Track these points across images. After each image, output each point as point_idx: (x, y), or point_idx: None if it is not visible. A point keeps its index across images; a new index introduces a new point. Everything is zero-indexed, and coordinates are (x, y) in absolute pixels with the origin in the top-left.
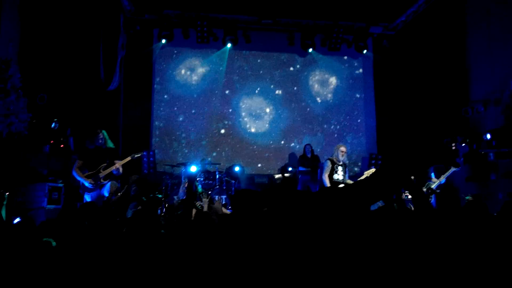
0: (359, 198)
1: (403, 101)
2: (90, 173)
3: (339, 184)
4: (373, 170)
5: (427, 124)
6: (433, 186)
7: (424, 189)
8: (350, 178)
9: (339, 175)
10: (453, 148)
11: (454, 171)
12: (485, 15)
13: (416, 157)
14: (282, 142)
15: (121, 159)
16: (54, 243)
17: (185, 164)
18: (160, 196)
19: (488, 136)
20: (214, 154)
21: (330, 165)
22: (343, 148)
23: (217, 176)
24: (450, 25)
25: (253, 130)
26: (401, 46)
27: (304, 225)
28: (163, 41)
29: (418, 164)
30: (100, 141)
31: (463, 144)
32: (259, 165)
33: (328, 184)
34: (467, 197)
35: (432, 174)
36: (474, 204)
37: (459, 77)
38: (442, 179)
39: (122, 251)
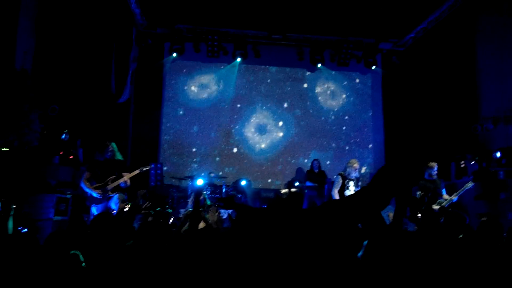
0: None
1: (412, 118)
2: (98, 185)
3: None
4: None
5: (436, 141)
6: (445, 204)
7: (437, 207)
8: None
9: (350, 191)
10: (462, 165)
11: (468, 188)
12: (495, 32)
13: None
14: (289, 156)
15: (129, 172)
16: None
17: (192, 177)
18: (170, 210)
19: (498, 154)
20: (222, 168)
21: (341, 181)
22: (356, 164)
23: (224, 190)
24: (460, 42)
25: (261, 144)
26: (410, 62)
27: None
28: (174, 54)
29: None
30: (110, 153)
31: (473, 162)
32: (266, 179)
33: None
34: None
35: (444, 191)
36: (489, 224)
37: (468, 94)
38: (455, 197)
39: (130, 261)
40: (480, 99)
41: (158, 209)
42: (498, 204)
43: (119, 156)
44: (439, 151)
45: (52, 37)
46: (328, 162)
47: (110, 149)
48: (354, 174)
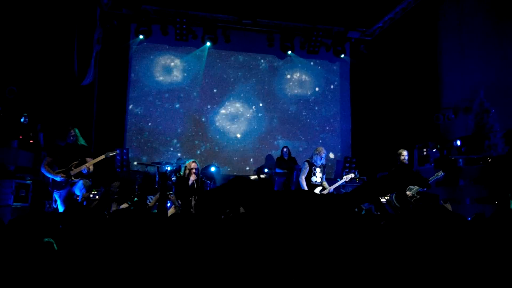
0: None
1: (378, 106)
2: (60, 170)
3: (316, 187)
4: (352, 175)
5: (400, 129)
6: (415, 190)
7: (409, 193)
8: (326, 180)
9: (317, 177)
10: (424, 153)
11: (439, 178)
12: (457, 25)
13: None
14: (259, 143)
15: (94, 157)
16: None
17: (159, 163)
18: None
19: (458, 142)
20: (190, 153)
21: (308, 167)
22: (322, 152)
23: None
24: (424, 33)
25: (230, 130)
26: (377, 51)
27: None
28: (141, 37)
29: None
30: (72, 138)
31: (434, 150)
32: (235, 166)
33: (305, 186)
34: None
35: None
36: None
37: (431, 84)
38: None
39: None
40: (442, 89)
41: (135, 199)
42: (457, 190)
43: (82, 142)
44: (403, 139)
45: (10, 15)
46: (296, 149)
47: (72, 133)
48: (320, 161)
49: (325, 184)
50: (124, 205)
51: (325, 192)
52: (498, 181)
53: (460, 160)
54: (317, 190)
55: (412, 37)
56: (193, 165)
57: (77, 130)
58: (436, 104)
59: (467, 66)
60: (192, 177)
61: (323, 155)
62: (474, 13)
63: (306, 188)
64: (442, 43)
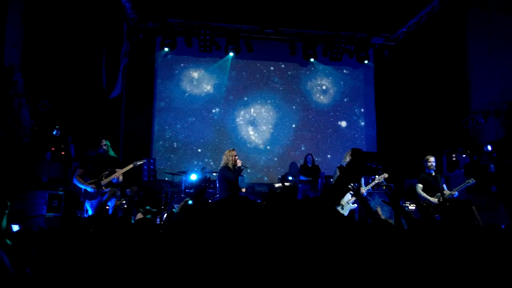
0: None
1: (404, 112)
2: (92, 181)
3: (347, 192)
4: (386, 174)
5: (427, 134)
6: (444, 197)
7: (435, 200)
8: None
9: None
10: (454, 159)
11: (470, 185)
12: (485, 27)
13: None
14: (283, 151)
15: (123, 167)
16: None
17: (185, 173)
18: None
19: (489, 147)
20: (215, 163)
21: (339, 173)
22: (348, 156)
23: (218, 185)
24: (450, 36)
25: (254, 139)
26: (402, 56)
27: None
28: (166, 49)
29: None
30: (103, 149)
31: (464, 155)
32: (260, 174)
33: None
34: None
35: (444, 186)
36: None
37: (459, 88)
38: (455, 192)
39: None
40: (471, 93)
41: (147, 207)
42: (490, 197)
43: (112, 153)
44: (431, 144)
45: (42, 31)
46: (321, 156)
47: (104, 143)
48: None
49: (362, 189)
50: (139, 215)
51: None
52: None
53: (492, 166)
54: (348, 195)
55: (438, 41)
56: (234, 152)
57: (108, 142)
58: (464, 108)
59: (496, 68)
60: (239, 163)
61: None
62: (502, 14)
63: None
64: (469, 45)
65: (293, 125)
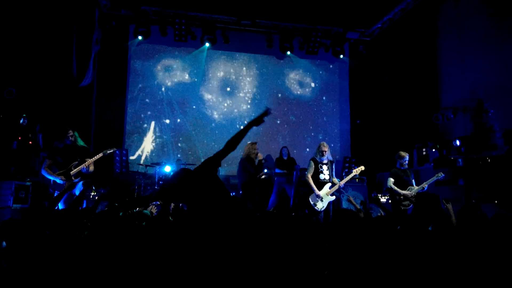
0: None
1: (377, 106)
2: (60, 172)
3: (325, 184)
4: (362, 167)
5: (399, 129)
6: (415, 191)
7: (407, 193)
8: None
9: (324, 175)
10: (424, 153)
11: (439, 179)
12: (456, 25)
13: None
14: (259, 143)
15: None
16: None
17: (159, 164)
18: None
19: (458, 142)
20: (190, 154)
21: (313, 165)
22: (324, 147)
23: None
24: (423, 34)
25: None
26: (376, 52)
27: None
28: (140, 37)
29: None
30: (70, 139)
31: (434, 150)
32: (235, 166)
33: (312, 184)
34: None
35: (413, 181)
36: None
37: (430, 84)
38: (425, 185)
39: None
40: (441, 89)
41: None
42: (457, 190)
43: (81, 143)
44: (402, 139)
45: (8, 16)
46: (296, 149)
47: (70, 134)
48: (325, 157)
49: (335, 180)
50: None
51: (335, 188)
52: (498, 181)
53: (460, 160)
54: (327, 187)
55: (411, 38)
56: (256, 145)
57: (76, 132)
58: (435, 104)
59: (466, 66)
60: (260, 156)
61: (326, 150)
62: (473, 13)
63: (314, 187)
64: (441, 43)
65: (268, 118)
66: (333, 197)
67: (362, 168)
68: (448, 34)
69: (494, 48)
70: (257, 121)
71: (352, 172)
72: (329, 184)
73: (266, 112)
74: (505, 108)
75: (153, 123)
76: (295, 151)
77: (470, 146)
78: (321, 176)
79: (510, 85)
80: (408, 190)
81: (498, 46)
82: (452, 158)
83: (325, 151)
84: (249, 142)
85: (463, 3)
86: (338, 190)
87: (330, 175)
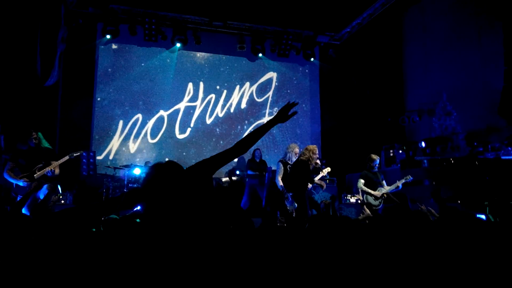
0: None
1: (347, 109)
2: (23, 175)
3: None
4: (329, 168)
5: (368, 131)
6: (385, 191)
7: (377, 193)
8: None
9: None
10: (391, 154)
11: (407, 181)
12: (421, 30)
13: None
14: (231, 145)
15: (58, 160)
16: None
17: (128, 167)
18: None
19: (423, 144)
20: (160, 156)
21: (283, 167)
22: (296, 149)
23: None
24: (389, 38)
25: (201, 132)
26: (346, 56)
27: None
28: (108, 36)
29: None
30: (34, 142)
31: (400, 151)
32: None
33: (283, 186)
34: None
35: (384, 182)
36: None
37: (396, 88)
38: (394, 187)
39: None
40: (407, 92)
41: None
42: (422, 190)
43: (46, 144)
44: (371, 141)
45: None
46: (267, 151)
47: (34, 136)
48: (295, 159)
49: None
50: None
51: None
52: (461, 181)
53: (425, 161)
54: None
55: (379, 42)
56: (317, 150)
57: (40, 134)
58: (401, 107)
59: (430, 70)
60: (315, 163)
61: (298, 152)
62: (436, 19)
63: (284, 189)
64: (407, 47)
65: (240, 119)
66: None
67: (329, 169)
68: (413, 39)
69: (456, 53)
70: (281, 117)
71: (319, 174)
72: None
73: (293, 105)
74: (467, 111)
75: (121, 124)
76: (267, 155)
77: (435, 148)
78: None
79: (471, 89)
80: (378, 191)
81: (460, 52)
82: (417, 159)
83: (297, 152)
84: (309, 145)
85: (428, 10)
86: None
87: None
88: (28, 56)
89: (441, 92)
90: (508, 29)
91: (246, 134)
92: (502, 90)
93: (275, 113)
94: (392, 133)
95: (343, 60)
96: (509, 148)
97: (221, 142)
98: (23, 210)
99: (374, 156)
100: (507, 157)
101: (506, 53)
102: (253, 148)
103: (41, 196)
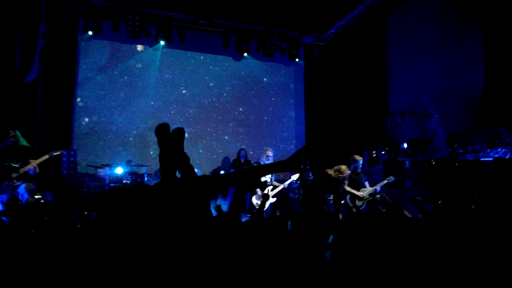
0: None
1: (331, 110)
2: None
3: (266, 186)
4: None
5: (351, 132)
6: (367, 192)
7: (360, 194)
8: (276, 180)
9: (266, 177)
10: (374, 155)
11: (390, 182)
12: (404, 33)
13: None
14: (215, 145)
15: (37, 158)
16: None
17: (110, 166)
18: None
19: (405, 145)
20: (142, 155)
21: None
22: (269, 152)
23: (146, 179)
24: (373, 40)
25: (185, 132)
26: (330, 57)
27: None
28: (90, 33)
29: None
30: (11, 140)
31: (383, 152)
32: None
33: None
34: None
35: (367, 183)
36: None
37: (380, 89)
38: (378, 187)
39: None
40: (390, 94)
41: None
42: (403, 190)
43: (24, 142)
44: (354, 142)
45: None
46: (251, 151)
47: (12, 134)
48: (268, 162)
49: (275, 183)
50: None
51: (277, 190)
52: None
53: (407, 162)
54: (268, 189)
55: (363, 44)
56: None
57: (17, 132)
58: (384, 108)
59: (413, 72)
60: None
61: (270, 155)
62: (419, 22)
63: (258, 189)
64: (390, 50)
65: (225, 119)
66: (274, 199)
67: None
68: (397, 41)
69: (438, 57)
70: (292, 167)
71: (291, 178)
72: (271, 187)
73: (305, 156)
74: (448, 113)
75: (103, 122)
76: (251, 152)
77: (417, 149)
78: (262, 179)
79: (452, 91)
80: (361, 191)
81: (442, 55)
82: (400, 160)
83: (270, 156)
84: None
85: (411, 14)
86: (293, 191)
87: (271, 178)
88: (7, 51)
89: (423, 94)
90: (488, 33)
91: (248, 168)
92: (482, 93)
93: (286, 159)
94: (375, 134)
95: (328, 61)
96: (488, 150)
97: (203, 141)
98: None
99: (357, 157)
100: (486, 159)
101: (486, 57)
102: (237, 148)
103: (19, 196)
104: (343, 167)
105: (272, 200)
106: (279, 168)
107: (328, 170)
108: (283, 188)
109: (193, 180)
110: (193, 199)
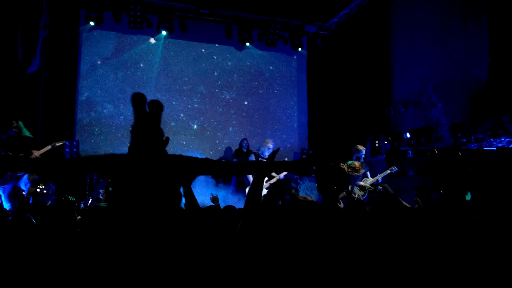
0: None
1: (334, 99)
2: None
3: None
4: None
5: (354, 121)
6: (370, 182)
7: (362, 184)
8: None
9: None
10: (377, 145)
11: (393, 172)
12: (408, 21)
13: None
14: (218, 134)
15: (40, 149)
16: None
17: None
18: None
19: (408, 135)
20: None
21: (255, 159)
22: (269, 144)
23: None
24: (377, 29)
25: (186, 122)
26: (333, 46)
27: None
28: (91, 23)
29: None
30: (13, 130)
31: (386, 142)
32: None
33: (251, 178)
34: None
35: (369, 173)
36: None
37: (383, 79)
38: (379, 177)
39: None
40: (393, 83)
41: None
42: (406, 180)
43: (26, 133)
44: (357, 131)
45: None
46: (254, 141)
47: (14, 125)
48: (267, 153)
49: (274, 174)
50: None
51: (274, 180)
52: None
53: (410, 152)
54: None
55: (366, 33)
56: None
57: (20, 123)
58: (387, 98)
59: (416, 61)
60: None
61: (271, 147)
62: (424, 11)
63: (251, 180)
64: (394, 38)
65: (227, 109)
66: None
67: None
68: (401, 30)
69: (442, 46)
70: (297, 170)
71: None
72: (266, 178)
73: (313, 161)
74: (451, 102)
75: (105, 112)
76: (254, 142)
77: (419, 139)
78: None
79: (456, 81)
80: (363, 182)
81: (446, 44)
82: (402, 149)
83: (271, 148)
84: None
85: (415, 2)
86: (295, 181)
87: None
88: (9, 42)
89: (427, 84)
90: (493, 21)
91: (248, 161)
92: (486, 82)
93: (292, 161)
94: (378, 124)
95: (331, 51)
96: (492, 140)
97: (207, 133)
98: (4, 202)
99: (360, 147)
100: (489, 148)
101: (491, 46)
102: (239, 138)
103: (22, 186)
104: (357, 164)
105: (264, 191)
106: (285, 168)
107: (341, 164)
108: (279, 180)
109: (164, 158)
110: (159, 178)
